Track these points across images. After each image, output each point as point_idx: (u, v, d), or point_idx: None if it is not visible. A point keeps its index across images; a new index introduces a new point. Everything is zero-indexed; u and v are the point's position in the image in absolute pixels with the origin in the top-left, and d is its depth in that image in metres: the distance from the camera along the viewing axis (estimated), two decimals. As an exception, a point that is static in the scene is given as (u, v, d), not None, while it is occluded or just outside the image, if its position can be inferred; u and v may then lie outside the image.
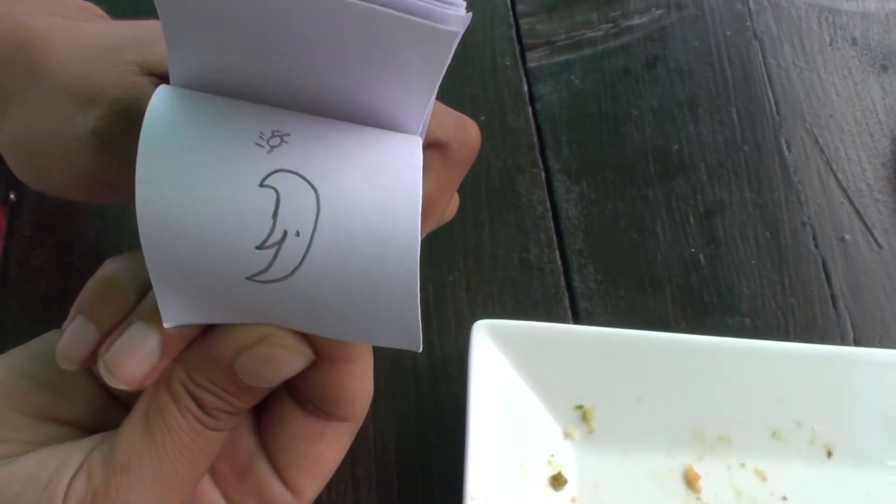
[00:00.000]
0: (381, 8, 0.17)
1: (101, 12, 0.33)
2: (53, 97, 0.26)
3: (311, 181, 0.20)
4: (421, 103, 0.21)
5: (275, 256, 0.20)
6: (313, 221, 0.20)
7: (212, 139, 0.20)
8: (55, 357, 0.23)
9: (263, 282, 0.20)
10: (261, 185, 0.19)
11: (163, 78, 0.25)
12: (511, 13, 0.49)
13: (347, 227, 0.20)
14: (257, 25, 0.19)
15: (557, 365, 0.36)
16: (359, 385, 0.25)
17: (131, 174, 0.20)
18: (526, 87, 0.47)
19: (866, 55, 0.49)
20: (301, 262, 0.20)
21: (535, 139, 0.45)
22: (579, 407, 0.37)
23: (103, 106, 0.25)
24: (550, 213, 0.44)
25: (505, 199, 0.44)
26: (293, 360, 0.23)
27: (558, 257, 0.42)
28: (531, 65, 0.48)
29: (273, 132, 0.20)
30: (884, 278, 0.42)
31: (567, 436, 0.37)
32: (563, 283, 0.42)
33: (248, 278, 0.20)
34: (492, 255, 0.42)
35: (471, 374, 0.34)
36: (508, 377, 0.36)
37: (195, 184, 0.19)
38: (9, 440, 0.23)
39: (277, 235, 0.20)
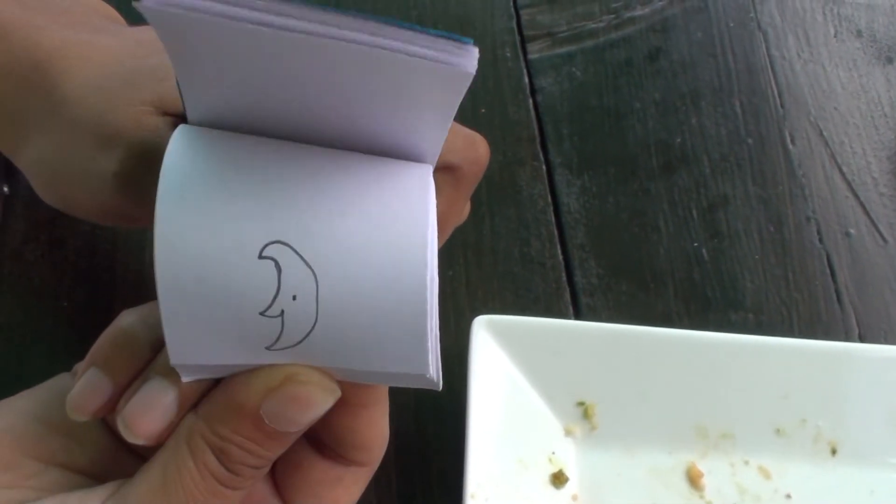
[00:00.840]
0: (394, 52, 0.17)
1: (111, 12, 0.33)
2: (74, 134, 0.27)
3: (306, 259, 0.20)
4: (438, 134, 0.21)
5: (282, 326, 0.20)
6: (314, 293, 0.20)
7: (222, 194, 0.20)
8: (67, 409, 0.23)
9: (278, 349, 0.21)
10: (260, 256, 0.20)
11: (179, 115, 0.26)
12: (512, 4, 0.48)
13: (350, 284, 0.20)
14: (270, 69, 0.19)
15: (558, 361, 0.36)
16: (376, 430, 0.25)
17: (151, 211, 0.20)
18: (527, 80, 0.46)
19: (871, 47, 0.48)
20: (309, 332, 0.20)
21: (536, 132, 0.45)
22: (581, 404, 0.36)
23: (123, 149, 0.25)
24: (551, 207, 0.43)
25: (505, 192, 0.43)
26: (321, 399, 0.22)
27: (559, 252, 0.42)
28: (532, 56, 0.47)
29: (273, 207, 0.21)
30: (889, 273, 0.42)
31: (568, 433, 0.36)
32: (564, 278, 0.41)
33: (267, 348, 0.21)
34: (492, 249, 0.42)
35: (471, 371, 0.34)
36: (509, 373, 0.36)
37: (209, 237, 0.20)
38: (21, 486, 0.23)
39: (279, 307, 0.20)
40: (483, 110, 0.45)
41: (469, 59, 0.17)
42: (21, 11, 0.29)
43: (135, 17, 0.30)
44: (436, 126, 0.21)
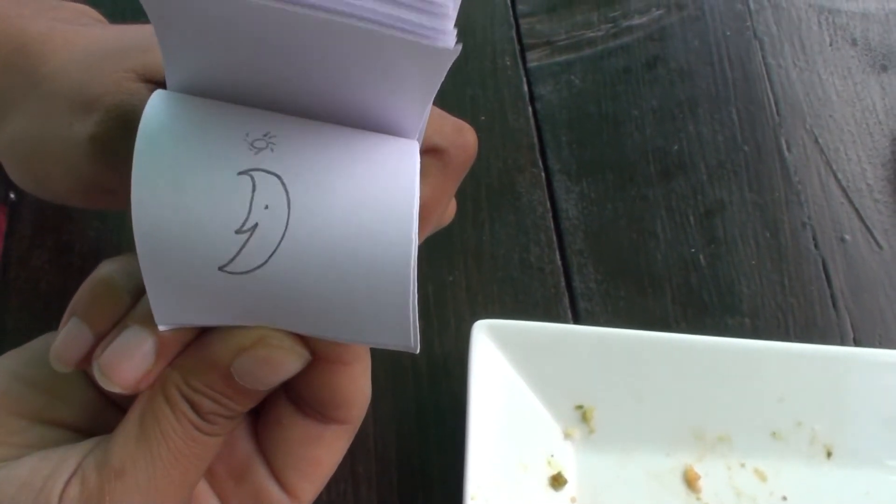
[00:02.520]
0: (374, 27, 0.17)
1: (99, 16, 0.33)
2: (51, 103, 0.26)
3: (285, 181, 0.20)
4: (418, 110, 0.21)
5: (245, 242, 0.20)
6: (285, 219, 0.20)
7: (202, 141, 0.20)
8: (50, 359, 0.23)
9: (239, 272, 0.20)
10: (238, 173, 0.20)
11: (160, 84, 0.25)
12: (511, 13, 0.49)
13: (326, 226, 0.20)
14: (250, 38, 0.19)
15: (557, 365, 0.36)
16: (356, 387, 0.25)
17: (128, 180, 0.20)
18: (526, 87, 0.47)
19: (866, 55, 0.49)
20: (273, 253, 0.20)
21: (536, 139, 0.45)
22: (579, 407, 0.37)
23: (101, 112, 0.25)
24: (550, 214, 0.44)
25: (505, 199, 0.44)
26: (290, 362, 0.23)
27: (558, 257, 0.42)
28: (531, 65, 0.48)
29: (263, 135, 0.20)
30: (884, 279, 0.42)
31: (567, 436, 0.37)
32: (563, 283, 0.42)
33: (221, 268, 0.20)
34: (492, 255, 0.42)
35: (471, 375, 0.34)
36: (508, 377, 0.36)
37: (183, 182, 0.20)
38: (3, 444, 0.23)
39: (251, 223, 0.20)
40: (483, 118, 0.46)
41: (444, 22, 0.17)
42: (8, 2, 0.29)
43: (120, 19, 0.31)
44: (418, 99, 0.21)
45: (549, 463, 0.36)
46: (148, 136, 0.20)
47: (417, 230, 0.20)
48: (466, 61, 0.47)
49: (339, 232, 0.20)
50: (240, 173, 0.20)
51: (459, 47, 0.18)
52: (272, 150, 0.20)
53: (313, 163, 0.20)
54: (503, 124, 0.46)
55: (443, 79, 0.19)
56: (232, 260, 0.20)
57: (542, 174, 0.45)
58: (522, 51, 0.48)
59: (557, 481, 0.35)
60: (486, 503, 0.33)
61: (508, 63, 0.47)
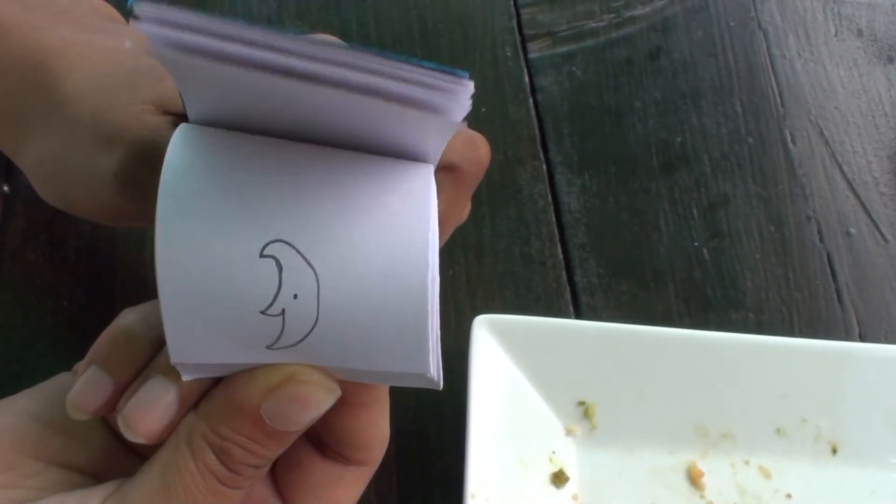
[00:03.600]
0: (387, 100, 0.17)
1: (111, 10, 0.33)
2: (75, 133, 0.27)
3: (307, 257, 0.20)
4: (438, 143, 0.21)
5: (283, 325, 0.20)
6: (316, 292, 0.20)
7: (223, 194, 0.20)
8: (67, 407, 0.23)
9: (278, 349, 0.21)
10: (261, 255, 0.20)
11: (179, 115, 0.26)
12: (512, 3, 0.48)
13: (351, 288, 0.20)
14: (267, 98, 0.19)
15: (559, 361, 0.36)
16: (377, 429, 0.25)
17: (152, 211, 0.20)
18: (527, 79, 0.46)
19: (872, 46, 0.48)
20: (309, 333, 0.20)
21: (537, 131, 0.45)
22: (581, 403, 0.36)
23: (123, 148, 0.25)
24: (552, 207, 0.43)
25: (506, 192, 0.43)
26: (322, 398, 0.22)
27: (560, 251, 0.42)
28: (532, 56, 0.47)
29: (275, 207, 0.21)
30: (890, 272, 0.42)
31: (569, 432, 0.36)
32: (564, 277, 0.41)
33: (268, 347, 0.21)
34: (492, 249, 0.42)
35: (471, 370, 0.34)
36: (509, 373, 0.36)
37: (210, 237, 0.20)
38: (20, 486, 0.23)
39: (280, 306, 0.20)
40: (483, 109, 0.45)
41: (463, 93, 0.17)
42: (21, 11, 0.29)
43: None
44: (436, 139, 0.21)
45: (550, 460, 0.36)
46: (170, 187, 0.20)
47: (437, 273, 0.21)
48: (467, 52, 0.46)
49: (361, 283, 0.20)
50: (262, 255, 0.20)
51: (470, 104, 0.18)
52: (286, 214, 0.21)
53: (334, 233, 0.21)
54: (504, 116, 0.45)
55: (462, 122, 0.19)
56: (273, 342, 0.21)
57: (544, 167, 0.44)
58: (523, 41, 0.47)
59: (559, 478, 0.35)
60: (486, 501, 0.33)
61: (509, 54, 0.47)
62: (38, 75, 0.28)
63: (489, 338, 0.35)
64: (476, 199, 0.43)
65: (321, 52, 0.16)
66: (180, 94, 0.20)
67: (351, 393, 0.23)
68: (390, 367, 0.21)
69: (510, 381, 0.36)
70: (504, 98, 0.45)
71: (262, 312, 0.20)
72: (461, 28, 0.47)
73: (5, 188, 0.41)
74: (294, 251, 0.20)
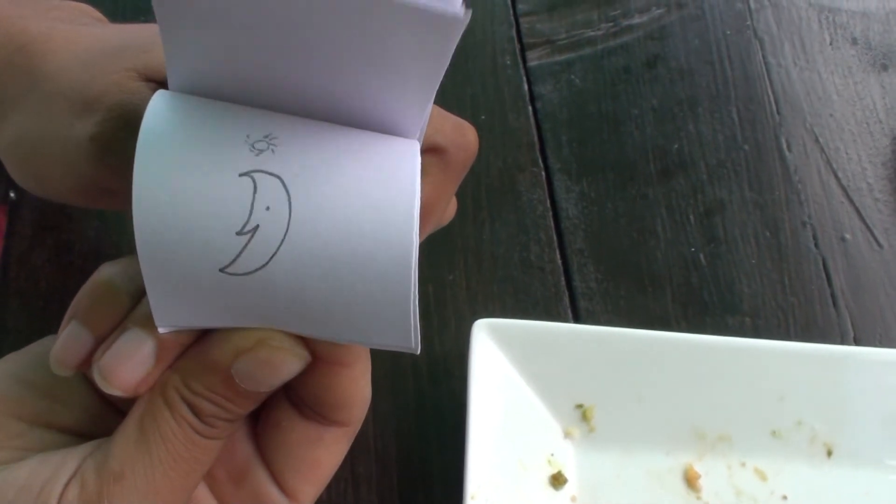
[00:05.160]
0: None
1: (99, 15, 0.33)
2: (52, 102, 0.26)
3: (286, 183, 0.20)
4: (420, 106, 0.21)
5: (246, 244, 0.20)
6: (286, 221, 0.20)
7: (203, 143, 0.20)
8: (50, 363, 0.23)
9: (240, 274, 0.20)
10: (240, 175, 0.20)
11: (162, 83, 0.25)
12: (511, 12, 0.49)
13: (327, 228, 0.20)
14: (253, 23, 0.19)
15: (557, 364, 0.36)
16: (356, 389, 0.25)
17: (129, 180, 0.20)
18: (526, 87, 0.47)
19: (867, 54, 0.49)
20: (274, 254, 0.20)
21: (536, 138, 0.45)
22: (579, 406, 0.37)
23: (102, 112, 0.24)
24: (551, 213, 0.44)
25: (505, 198, 0.44)
26: (290, 363, 0.23)
27: (558, 256, 0.42)
28: (531, 64, 0.47)
29: (264, 136, 0.21)
30: (884, 277, 0.42)
31: (567, 435, 0.37)
32: (563, 282, 0.42)
33: (222, 269, 0.20)
34: (492, 254, 0.42)
35: (471, 374, 0.34)
36: (508, 376, 0.36)
37: (184, 184, 0.20)
38: (3, 447, 0.23)
39: (252, 225, 0.20)
40: (483, 117, 0.46)
41: (456, 8, 0.17)
42: (7, 4, 0.29)
43: (121, 18, 0.31)
44: (421, 91, 0.20)
45: (549, 462, 0.36)
46: (149, 138, 0.20)
47: (418, 230, 0.20)
48: (466, 61, 0.47)
49: (340, 233, 0.20)
50: (241, 175, 0.20)
51: (469, 15, 0.18)
52: (273, 151, 0.20)
53: (314, 164, 0.21)
54: (503, 123, 0.46)
55: (447, 62, 0.19)
56: (233, 261, 0.20)
57: (543, 173, 0.45)
58: (522, 50, 0.48)
59: (557, 480, 0.35)
60: (486, 502, 0.33)
61: (508, 62, 0.47)
62: (21, 57, 0.27)
63: (489, 341, 0.36)
64: (476, 204, 0.43)
65: None
66: (164, 43, 0.20)
67: (330, 351, 0.23)
68: (371, 338, 0.21)
69: (509, 384, 0.36)
70: (504, 105, 0.46)
71: (237, 233, 0.20)
72: (461, 37, 0.47)
73: (12, 195, 0.41)
74: (273, 177, 0.20)
